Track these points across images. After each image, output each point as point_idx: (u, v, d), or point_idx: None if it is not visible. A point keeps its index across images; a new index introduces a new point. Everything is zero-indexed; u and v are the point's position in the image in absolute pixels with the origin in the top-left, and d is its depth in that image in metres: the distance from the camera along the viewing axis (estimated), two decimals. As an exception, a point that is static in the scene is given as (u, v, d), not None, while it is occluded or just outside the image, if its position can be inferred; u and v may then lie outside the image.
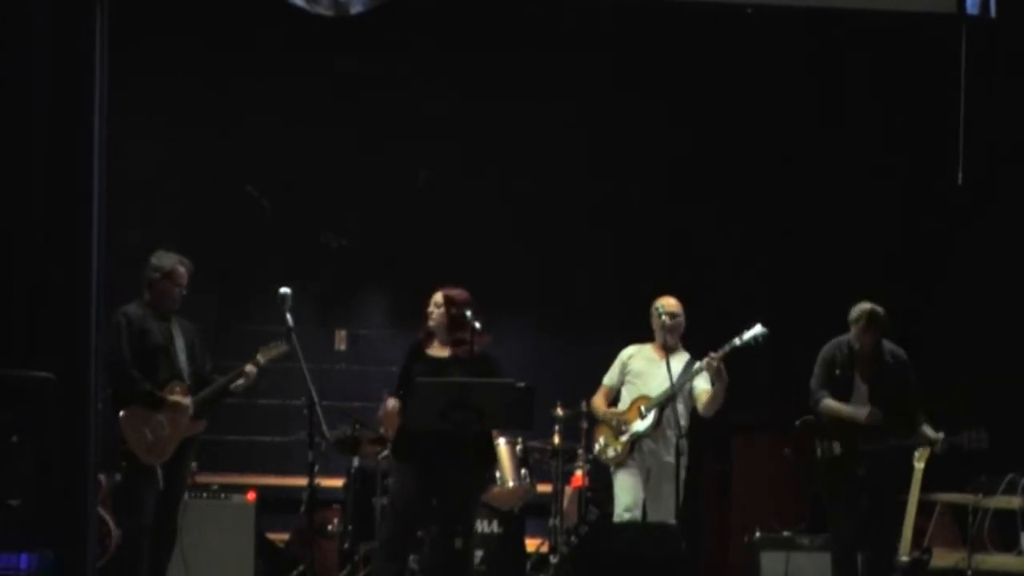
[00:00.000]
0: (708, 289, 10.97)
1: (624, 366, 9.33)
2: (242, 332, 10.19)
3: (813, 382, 8.94)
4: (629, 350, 9.37)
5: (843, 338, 8.89)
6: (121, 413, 8.36)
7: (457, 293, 8.55)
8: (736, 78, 11.35)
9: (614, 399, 9.39)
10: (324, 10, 8.88)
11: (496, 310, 10.05)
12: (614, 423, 9.19)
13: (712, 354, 8.90)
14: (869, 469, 8.67)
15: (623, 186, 11.52)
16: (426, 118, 11.28)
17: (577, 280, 11.37)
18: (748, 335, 8.87)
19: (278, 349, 8.58)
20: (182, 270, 8.57)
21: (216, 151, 11.17)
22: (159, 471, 8.39)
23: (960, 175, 9.58)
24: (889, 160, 11.61)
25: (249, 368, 8.56)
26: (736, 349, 8.90)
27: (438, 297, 8.55)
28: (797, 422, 8.96)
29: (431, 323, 8.52)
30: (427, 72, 11.26)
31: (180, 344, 8.55)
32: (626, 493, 9.16)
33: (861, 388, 8.80)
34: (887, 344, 8.84)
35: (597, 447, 9.32)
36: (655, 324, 9.20)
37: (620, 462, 9.19)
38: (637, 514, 9.10)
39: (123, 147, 9.49)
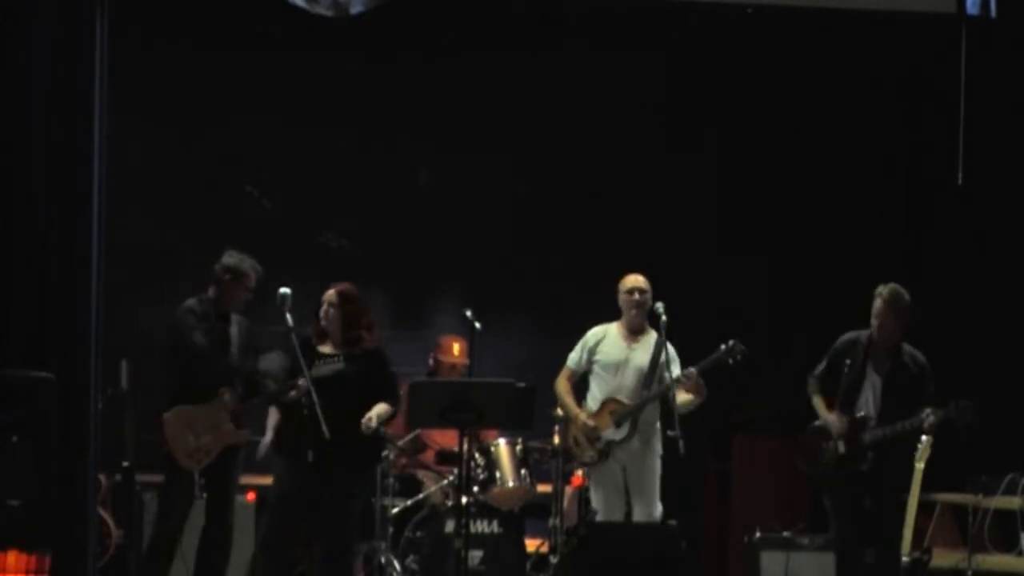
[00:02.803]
0: (709, 290, 10.98)
1: (591, 352, 9.17)
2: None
3: (815, 371, 8.92)
4: (596, 333, 9.21)
5: (860, 332, 8.83)
6: (165, 416, 8.37)
7: (351, 290, 8.60)
8: (736, 78, 11.35)
9: (579, 380, 9.27)
10: (324, 10, 8.89)
11: (496, 310, 10.10)
12: (587, 430, 9.09)
13: (691, 369, 8.82)
14: (872, 465, 8.65)
15: (623, 186, 11.51)
16: (426, 118, 11.28)
17: (577, 280, 11.35)
18: (727, 351, 8.78)
19: (333, 366, 8.51)
20: (253, 275, 8.59)
21: (216, 151, 11.16)
22: (197, 476, 8.40)
23: (960, 175, 9.58)
24: (889, 160, 11.61)
25: (302, 382, 8.40)
26: (715, 365, 8.81)
27: (332, 296, 8.57)
28: (810, 425, 8.93)
29: (323, 322, 8.53)
30: (427, 72, 11.26)
31: (236, 345, 8.57)
32: (603, 506, 9.09)
33: (874, 380, 8.75)
34: (908, 347, 8.80)
35: (572, 447, 9.22)
36: (623, 304, 9.09)
37: (595, 467, 9.14)
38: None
39: (123, 147, 9.48)
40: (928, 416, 8.43)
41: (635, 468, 9.01)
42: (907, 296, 8.69)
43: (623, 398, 9.03)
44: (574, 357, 9.24)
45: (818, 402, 8.84)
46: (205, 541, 8.60)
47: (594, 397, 9.18)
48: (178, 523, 8.53)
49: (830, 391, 8.85)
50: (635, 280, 9.11)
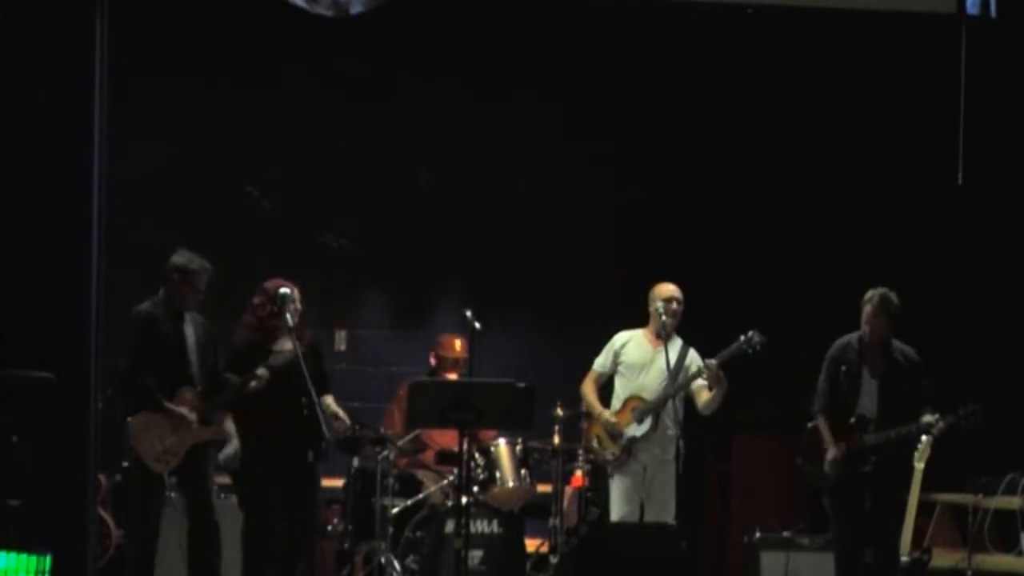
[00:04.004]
0: (709, 289, 10.97)
1: (616, 354, 9.34)
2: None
3: (818, 388, 8.92)
4: (622, 337, 9.38)
5: (851, 335, 8.86)
6: (129, 420, 8.35)
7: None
8: (736, 78, 11.35)
9: (605, 384, 9.40)
10: (324, 10, 8.89)
11: (496, 310, 10.10)
12: (609, 427, 9.20)
13: (711, 360, 8.92)
14: (874, 466, 8.65)
15: (623, 186, 11.52)
16: (426, 118, 11.28)
17: (577, 280, 11.37)
18: (746, 342, 8.88)
19: (292, 351, 8.53)
20: (202, 274, 8.56)
21: (216, 151, 11.16)
22: (167, 479, 8.38)
23: (960, 175, 9.58)
24: (889, 160, 11.61)
25: (261, 371, 8.48)
26: (734, 355, 8.91)
27: (298, 294, 8.61)
28: (808, 424, 8.94)
29: (292, 319, 8.54)
30: (427, 72, 11.26)
31: (192, 344, 8.53)
32: (623, 501, 9.18)
33: (870, 383, 8.76)
34: (898, 344, 8.81)
35: (594, 445, 9.35)
36: (652, 314, 9.21)
37: (617, 464, 9.22)
38: (634, 521, 9.11)
39: (123, 147, 9.49)
40: (937, 422, 8.46)
41: (655, 473, 9.13)
42: (896, 299, 8.72)
43: (645, 397, 9.16)
44: (600, 360, 9.41)
45: (824, 428, 8.83)
46: (194, 542, 8.56)
47: (618, 397, 9.34)
48: (155, 527, 8.49)
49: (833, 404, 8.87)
50: (673, 290, 9.25)
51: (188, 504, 8.56)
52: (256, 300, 8.67)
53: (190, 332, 8.53)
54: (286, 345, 8.54)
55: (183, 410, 8.37)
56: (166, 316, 8.48)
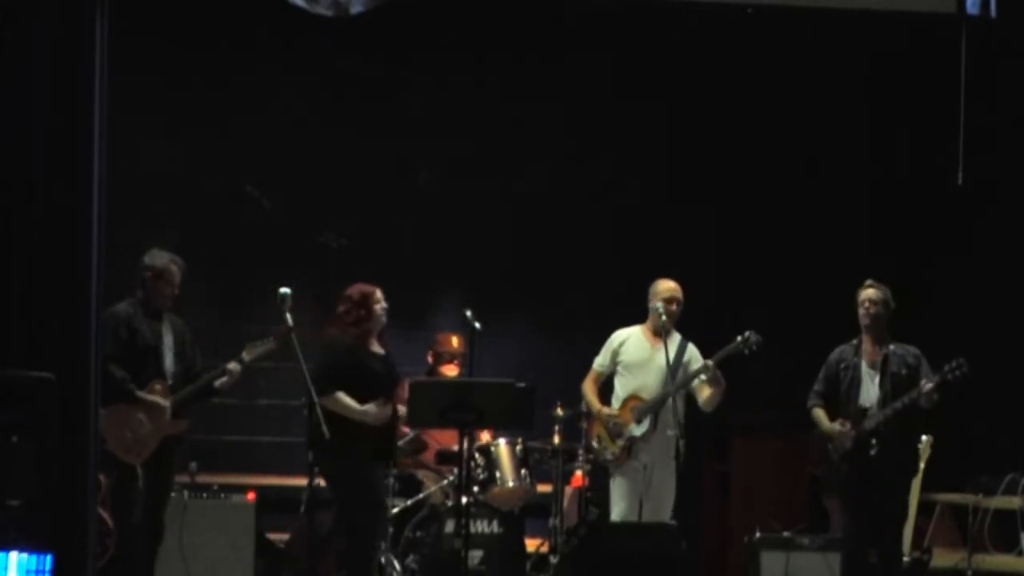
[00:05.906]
0: (709, 289, 10.97)
1: (615, 352, 9.33)
2: (241, 332, 10.17)
3: (815, 386, 8.92)
4: (620, 335, 9.36)
5: (849, 344, 8.86)
6: (101, 412, 8.36)
7: None
8: (736, 78, 11.35)
9: (605, 382, 9.40)
10: (324, 10, 8.87)
11: (496, 310, 10.11)
12: (610, 425, 9.21)
13: (708, 361, 8.92)
14: (878, 459, 8.58)
15: (623, 186, 11.52)
16: (426, 118, 11.29)
17: (577, 280, 11.37)
18: (743, 342, 8.89)
19: (265, 346, 8.57)
20: (174, 269, 8.59)
21: (216, 151, 11.16)
22: (139, 470, 8.40)
23: (960, 175, 9.59)
24: (889, 160, 11.61)
25: (232, 366, 8.54)
26: (731, 355, 8.91)
27: (380, 295, 8.62)
28: (814, 430, 8.93)
29: (381, 321, 8.59)
30: (427, 72, 11.27)
31: (168, 343, 8.55)
32: (622, 500, 9.19)
33: (870, 373, 8.72)
34: (896, 346, 8.76)
35: (595, 445, 9.35)
36: (651, 311, 9.19)
37: (618, 464, 9.23)
38: (632, 520, 9.11)
39: (123, 147, 9.46)
40: (924, 384, 8.42)
41: (655, 472, 9.13)
42: (883, 288, 8.72)
43: (645, 396, 9.13)
44: (599, 359, 9.41)
45: (820, 415, 8.82)
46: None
47: (617, 396, 9.34)
48: (138, 517, 8.48)
49: (832, 403, 8.83)
50: (673, 288, 9.24)
51: (146, 497, 8.53)
52: (341, 308, 8.66)
53: (167, 331, 8.56)
54: (376, 347, 8.56)
55: (155, 397, 8.40)
56: (143, 316, 8.52)
